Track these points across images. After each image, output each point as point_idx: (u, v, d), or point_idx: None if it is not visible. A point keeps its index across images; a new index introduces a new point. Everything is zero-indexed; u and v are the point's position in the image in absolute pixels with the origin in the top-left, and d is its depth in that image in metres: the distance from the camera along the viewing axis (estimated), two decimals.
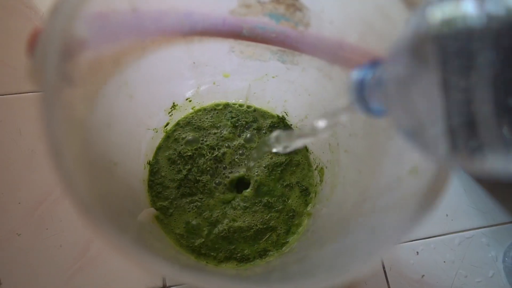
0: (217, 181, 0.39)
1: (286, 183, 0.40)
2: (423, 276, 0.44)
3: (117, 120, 0.28)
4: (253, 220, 0.38)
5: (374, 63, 0.18)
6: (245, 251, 0.36)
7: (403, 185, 0.22)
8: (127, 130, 0.32)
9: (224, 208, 0.38)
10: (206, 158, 0.40)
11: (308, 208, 0.38)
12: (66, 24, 0.19)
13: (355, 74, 0.19)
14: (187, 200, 0.38)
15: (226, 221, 0.37)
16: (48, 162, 0.40)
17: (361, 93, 0.18)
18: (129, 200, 0.31)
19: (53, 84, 0.17)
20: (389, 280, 0.43)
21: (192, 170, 0.39)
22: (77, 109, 0.20)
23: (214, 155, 0.40)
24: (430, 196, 0.18)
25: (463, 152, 0.13)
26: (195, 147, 0.40)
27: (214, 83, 0.40)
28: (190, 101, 0.41)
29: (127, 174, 0.31)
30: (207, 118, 0.42)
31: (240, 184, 0.40)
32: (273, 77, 0.39)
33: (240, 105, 0.43)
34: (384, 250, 0.18)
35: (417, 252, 0.45)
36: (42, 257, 0.40)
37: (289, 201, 0.39)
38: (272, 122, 0.42)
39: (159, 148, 0.40)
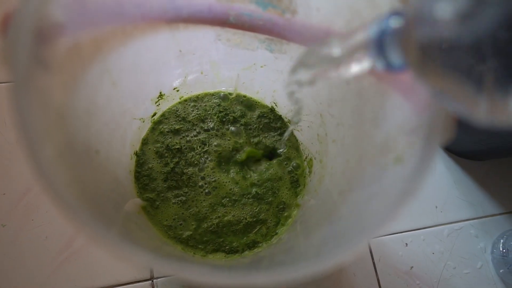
0: (203, 174, 0.38)
1: (278, 175, 0.39)
2: (412, 267, 0.44)
3: (100, 107, 0.28)
4: (242, 213, 0.37)
5: (395, 14, 0.17)
6: (234, 244, 0.36)
7: (388, 173, 0.21)
8: (111, 119, 0.31)
9: (212, 204, 0.38)
10: (195, 151, 0.39)
11: (298, 200, 0.38)
12: (39, 6, 0.18)
13: (373, 28, 0.17)
14: (174, 193, 0.37)
15: (214, 215, 0.37)
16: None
17: (381, 48, 0.17)
18: (114, 190, 0.30)
19: (25, 68, 0.17)
20: (378, 271, 0.43)
21: (180, 163, 0.38)
22: (54, 95, 0.20)
23: (203, 149, 0.39)
24: (413, 181, 0.17)
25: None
26: (182, 140, 0.39)
27: (201, 73, 0.39)
28: (177, 90, 0.40)
29: (111, 163, 0.31)
30: (193, 110, 0.41)
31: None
32: (261, 67, 0.38)
33: (229, 93, 0.42)
34: (369, 235, 0.18)
35: (406, 244, 0.45)
36: (27, 248, 0.39)
37: (279, 193, 0.38)
38: (261, 112, 0.42)
39: (145, 139, 0.39)
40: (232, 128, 0.41)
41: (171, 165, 0.38)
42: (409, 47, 0.15)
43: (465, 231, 0.46)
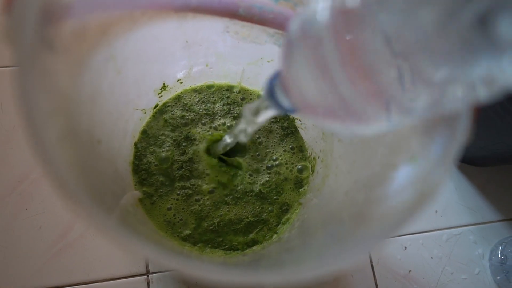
0: (206, 172, 0.37)
1: (284, 175, 0.38)
2: (410, 271, 0.43)
3: (103, 95, 0.27)
4: (244, 212, 0.36)
5: (275, 74, 0.22)
6: (234, 243, 0.35)
7: (399, 174, 0.21)
8: (114, 108, 0.30)
9: (215, 201, 0.37)
10: (196, 146, 0.38)
11: (300, 199, 0.37)
12: None
13: (267, 84, 0.22)
14: (174, 189, 0.36)
15: (217, 214, 0.36)
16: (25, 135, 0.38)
17: (274, 98, 0.21)
18: (113, 181, 0.29)
19: (30, 47, 0.16)
20: (376, 274, 0.43)
21: (181, 157, 0.37)
22: (59, 78, 0.19)
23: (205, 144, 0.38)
24: (430, 185, 0.17)
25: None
26: (184, 132, 0.38)
27: (207, 65, 0.39)
28: (181, 82, 0.39)
29: (112, 154, 0.30)
30: (197, 102, 0.40)
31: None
32: (268, 62, 0.37)
33: (233, 86, 0.41)
34: (378, 241, 0.17)
35: (405, 247, 0.44)
36: (20, 238, 0.38)
37: (284, 193, 0.38)
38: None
39: (145, 131, 0.38)
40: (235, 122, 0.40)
41: (171, 159, 0.37)
42: (289, 96, 0.20)
43: (464, 236, 0.46)
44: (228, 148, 0.35)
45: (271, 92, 0.22)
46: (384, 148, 0.25)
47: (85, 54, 0.23)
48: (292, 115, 0.40)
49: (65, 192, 0.16)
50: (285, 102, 0.21)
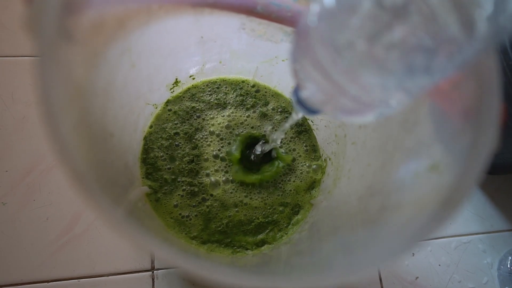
0: (213, 170, 0.37)
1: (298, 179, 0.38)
2: (417, 278, 0.43)
3: (116, 89, 0.27)
4: (255, 213, 0.36)
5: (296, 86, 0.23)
6: (242, 243, 0.35)
7: (421, 182, 0.20)
8: (126, 101, 0.30)
9: (223, 201, 0.36)
10: (206, 142, 0.38)
11: (311, 200, 0.37)
12: None
13: (293, 89, 0.23)
14: (181, 185, 0.36)
15: (225, 214, 0.35)
16: (40, 128, 0.38)
17: (299, 100, 0.22)
18: (123, 174, 0.29)
19: (51, 37, 0.15)
20: (382, 279, 0.42)
21: (190, 153, 0.37)
22: (76, 70, 0.19)
23: (215, 139, 0.38)
24: (456, 195, 0.16)
25: None
26: (194, 127, 0.38)
27: (220, 62, 0.38)
28: (193, 78, 0.39)
29: (123, 147, 0.30)
30: (208, 92, 0.39)
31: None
32: (283, 60, 0.37)
33: (247, 80, 0.40)
34: (393, 256, 0.17)
35: (413, 254, 0.44)
36: (27, 229, 0.38)
37: (297, 194, 0.37)
38: (278, 105, 0.40)
39: (153, 125, 0.38)
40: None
41: (180, 155, 0.37)
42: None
43: (473, 245, 0.45)
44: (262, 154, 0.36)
45: (296, 96, 0.22)
46: (402, 154, 0.24)
47: (101, 46, 0.22)
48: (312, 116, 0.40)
49: (78, 180, 0.15)
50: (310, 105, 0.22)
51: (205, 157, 0.37)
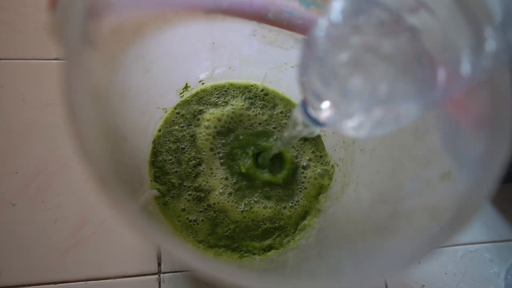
0: (221, 174, 0.37)
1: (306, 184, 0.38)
2: (423, 286, 0.43)
3: (130, 93, 0.27)
4: (262, 219, 0.36)
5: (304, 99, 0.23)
6: (249, 247, 0.35)
7: (433, 190, 0.21)
8: (138, 106, 0.30)
9: (231, 205, 0.36)
10: (213, 146, 0.38)
11: (318, 206, 0.37)
12: None
13: (300, 102, 0.23)
14: (187, 189, 0.36)
15: (232, 219, 0.35)
16: (50, 131, 0.38)
17: (307, 113, 0.23)
18: (134, 176, 0.29)
19: (75, 42, 0.16)
20: (388, 286, 0.42)
21: (194, 158, 0.37)
22: (95, 74, 0.19)
23: (222, 141, 0.38)
24: (470, 203, 0.16)
25: None
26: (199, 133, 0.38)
27: (229, 68, 0.38)
28: (203, 83, 0.39)
29: (134, 151, 0.30)
30: (216, 95, 0.40)
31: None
32: (292, 67, 0.37)
33: (255, 85, 0.41)
34: (413, 260, 0.17)
35: (419, 261, 0.44)
36: (35, 230, 0.38)
37: (306, 200, 0.37)
38: (287, 109, 0.40)
39: (161, 129, 0.38)
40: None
41: (186, 158, 0.37)
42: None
43: (480, 254, 0.45)
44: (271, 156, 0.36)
45: (304, 110, 0.23)
46: (412, 162, 0.24)
47: (119, 51, 0.23)
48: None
49: (98, 176, 0.16)
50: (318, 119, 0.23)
51: (209, 165, 0.37)
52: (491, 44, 0.16)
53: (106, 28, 0.20)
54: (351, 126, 0.19)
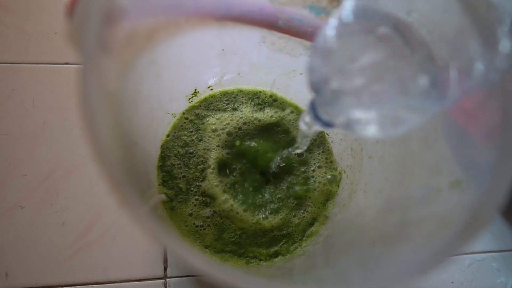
0: (229, 180, 0.37)
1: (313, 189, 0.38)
2: None
3: (142, 98, 0.27)
4: (270, 226, 0.36)
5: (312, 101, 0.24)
6: (256, 254, 0.35)
7: (443, 198, 0.21)
8: (148, 111, 0.30)
9: (238, 211, 0.36)
10: (219, 153, 0.38)
11: (325, 212, 0.37)
12: None
13: (309, 101, 0.24)
14: (194, 194, 0.36)
15: (239, 226, 0.35)
16: (60, 134, 0.38)
17: (315, 113, 0.23)
18: (143, 180, 0.29)
19: (92, 48, 0.16)
20: None
21: (202, 162, 0.37)
22: (110, 80, 0.19)
23: (229, 149, 0.38)
24: (482, 213, 0.16)
25: None
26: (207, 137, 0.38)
27: (238, 74, 0.39)
28: (211, 89, 0.40)
29: (144, 156, 0.30)
30: (225, 102, 0.40)
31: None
32: (300, 74, 0.37)
33: (263, 92, 0.41)
34: (424, 269, 0.17)
35: (428, 272, 0.43)
36: (43, 233, 0.39)
37: (314, 207, 0.37)
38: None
39: (170, 134, 0.38)
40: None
41: (194, 163, 0.37)
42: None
43: (487, 263, 0.45)
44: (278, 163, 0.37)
45: (313, 110, 0.23)
46: (422, 169, 0.24)
47: (132, 57, 0.23)
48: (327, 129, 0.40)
49: (112, 177, 0.16)
50: (326, 118, 0.23)
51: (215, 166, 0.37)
52: (505, 44, 0.16)
53: (120, 34, 0.20)
54: (360, 126, 0.19)
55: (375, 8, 0.18)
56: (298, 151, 0.35)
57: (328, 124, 0.23)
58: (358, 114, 0.19)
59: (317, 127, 0.25)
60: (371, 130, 0.19)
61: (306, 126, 0.26)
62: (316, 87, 0.20)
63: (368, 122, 0.19)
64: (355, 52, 0.18)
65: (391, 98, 0.18)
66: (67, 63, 0.44)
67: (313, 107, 0.23)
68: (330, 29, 0.18)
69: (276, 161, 0.37)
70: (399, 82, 0.17)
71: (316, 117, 0.23)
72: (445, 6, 0.18)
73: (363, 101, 0.18)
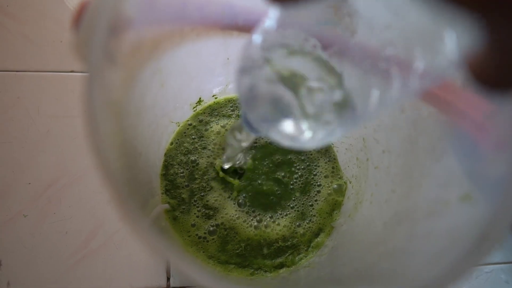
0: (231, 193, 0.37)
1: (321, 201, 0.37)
2: None
3: (146, 108, 0.27)
4: (275, 238, 0.35)
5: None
6: (260, 265, 0.34)
7: (452, 211, 0.20)
8: (153, 120, 0.30)
9: (243, 220, 0.36)
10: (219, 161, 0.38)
11: (331, 223, 0.36)
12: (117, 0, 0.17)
13: (243, 116, 0.23)
14: (197, 204, 0.36)
15: (244, 237, 0.35)
16: (64, 142, 0.38)
17: (246, 120, 0.22)
18: (146, 189, 0.29)
19: (98, 59, 0.16)
20: None
21: (205, 169, 0.37)
22: (115, 90, 0.19)
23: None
24: (494, 229, 0.16)
25: None
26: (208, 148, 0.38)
27: None
28: (216, 98, 0.39)
29: (148, 165, 0.30)
30: (230, 108, 0.40)
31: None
32: None
33: None
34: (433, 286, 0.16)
35: None
36: (46, 241, 0.38)
37: (319, 218, 0.37)
38: None
39: (173, 143, 0.38)
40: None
41: (197, 171, 0.37)
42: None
43: (495, 275, 0.44)
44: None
45: (244, 117, 0.23)
46: (430, 182, 0.24)
47: (138, 67, 0.23)
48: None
49: (115, 190, 0.16)
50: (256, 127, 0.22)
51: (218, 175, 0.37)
52: (449, 45, 0.15)
53: (126, 45, 0.20)
54: (287, 134, 0.19)
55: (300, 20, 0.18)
56: (225, 166, 0.36)
57: (254, 129, 0.23)
58: (281, 122, 0.19)
59: (247, 136, 0.25)
60: (288, 139, 0.19)
61: (235, 139, 0.26)
62: (242, 93, 0.20)
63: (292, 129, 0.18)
64: (278, 61, 0.18)
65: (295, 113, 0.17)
66: (72, 71, 0.45)
67: (245, 114, 0.23)
68: (256, 38, 0.18)
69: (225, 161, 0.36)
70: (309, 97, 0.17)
71: (247, 122, 0.23)
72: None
73: (281, 110, 0.18)
